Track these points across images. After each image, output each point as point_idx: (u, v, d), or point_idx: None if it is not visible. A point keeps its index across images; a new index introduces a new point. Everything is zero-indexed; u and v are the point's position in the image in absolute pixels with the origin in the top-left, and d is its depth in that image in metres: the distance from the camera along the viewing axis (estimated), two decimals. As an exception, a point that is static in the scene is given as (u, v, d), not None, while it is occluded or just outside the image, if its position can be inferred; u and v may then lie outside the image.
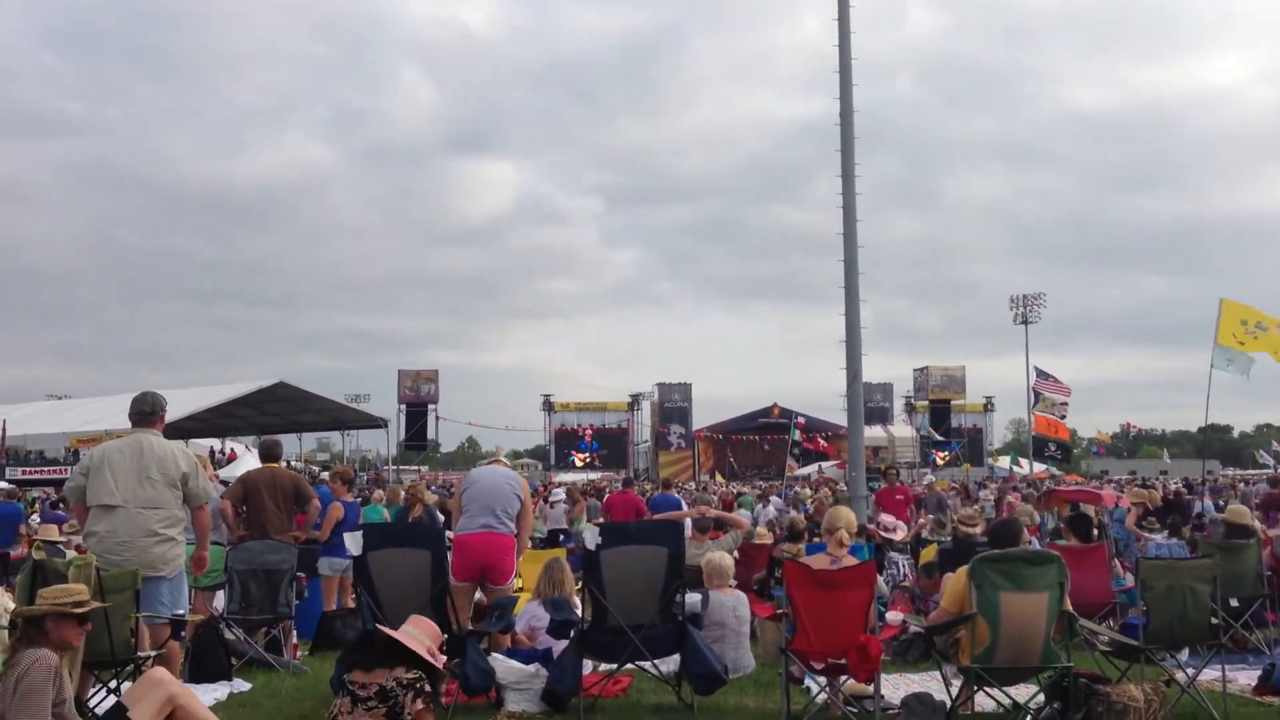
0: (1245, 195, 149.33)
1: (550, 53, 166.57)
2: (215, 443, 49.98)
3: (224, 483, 13.59)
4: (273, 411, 46.51)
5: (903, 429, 72.74)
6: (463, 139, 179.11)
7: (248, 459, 35.64)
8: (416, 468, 68.67)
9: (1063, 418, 39.32)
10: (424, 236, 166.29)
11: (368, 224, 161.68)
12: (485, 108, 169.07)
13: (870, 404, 62.38)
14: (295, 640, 9.39)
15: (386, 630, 4.83)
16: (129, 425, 7.01)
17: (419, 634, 4.74)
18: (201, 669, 8.00)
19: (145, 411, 6.94)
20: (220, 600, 9.40)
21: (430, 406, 63.54)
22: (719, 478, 60.18)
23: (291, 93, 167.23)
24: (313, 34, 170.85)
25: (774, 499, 25.47)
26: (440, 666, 4.88)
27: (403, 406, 62.54)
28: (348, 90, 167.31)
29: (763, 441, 71.11)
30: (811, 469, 55.33)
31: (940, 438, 67.28)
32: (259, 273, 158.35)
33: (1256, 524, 11.96)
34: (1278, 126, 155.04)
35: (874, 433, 61.78)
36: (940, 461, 67.92)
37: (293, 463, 45.06)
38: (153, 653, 6.37)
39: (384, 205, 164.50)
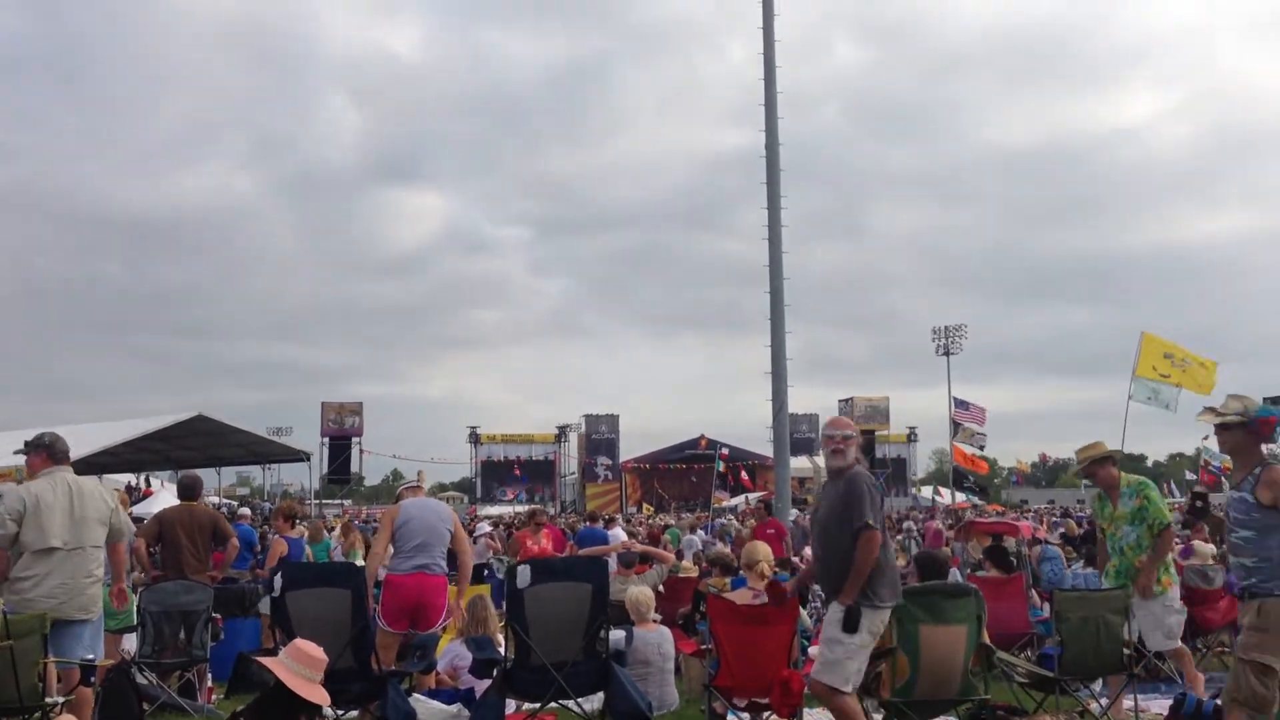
0: (1159, 230, 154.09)
1: (478, 81, 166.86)
2: (131, 477, 48.78)
3: (137, 519, 13.26)
4: (191, 445, 45.47)
5: (828, 459, 73.30)
6: (389, 167, 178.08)
7: (164, 495, 34.87)
8: (340, 502, 67.66)
9: (981, 448, 40.02)
10: (349, 266, 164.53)
11: (291, 253, 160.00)
12: (412, 136, 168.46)
13: (796, 435, 62.81)
14: (210, 683, 9.18)
15: (263, 661, 4.67)
16: (21, 462, 6.88)
17: (303, 669, 4.57)
18: (112, 715, 7.75)
19: (65, 450, 6.83)
20: (130, 643, 9.16)
21: (354, 439, 62.73)
22: (646, 509, 60.11)
23: (213, 119, 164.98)
24: (235, 59, 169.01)
25: (699, 532, 25.50)
26: (327, 703, 4.73)
27: (326, 439, 61.64)
28: (271, 117, 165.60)
29: (690, 473, 71.24)
30: (739, 500, 55.51)
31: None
32: (178, 302, 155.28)
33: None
34: (1189, 163, 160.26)
35: (800, 463, 62.07)
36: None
37: (213, 497, 44.13)
38: (61, 699, 6.19)
39: (308, 234, 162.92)
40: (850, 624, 5.67)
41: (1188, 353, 17.79)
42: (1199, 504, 7.69)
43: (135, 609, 8.81)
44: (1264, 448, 5.81)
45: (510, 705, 7.26)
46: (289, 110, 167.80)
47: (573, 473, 76.62)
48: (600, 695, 7.24)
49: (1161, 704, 8.16)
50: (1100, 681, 7.79)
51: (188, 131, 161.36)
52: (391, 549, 8.06)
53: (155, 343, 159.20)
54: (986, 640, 6.53)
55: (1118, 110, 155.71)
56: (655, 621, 8.94)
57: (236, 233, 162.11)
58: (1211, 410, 5.89)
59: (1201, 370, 17.50)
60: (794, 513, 21.86)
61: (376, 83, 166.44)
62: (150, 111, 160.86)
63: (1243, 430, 5.70)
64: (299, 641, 4.80)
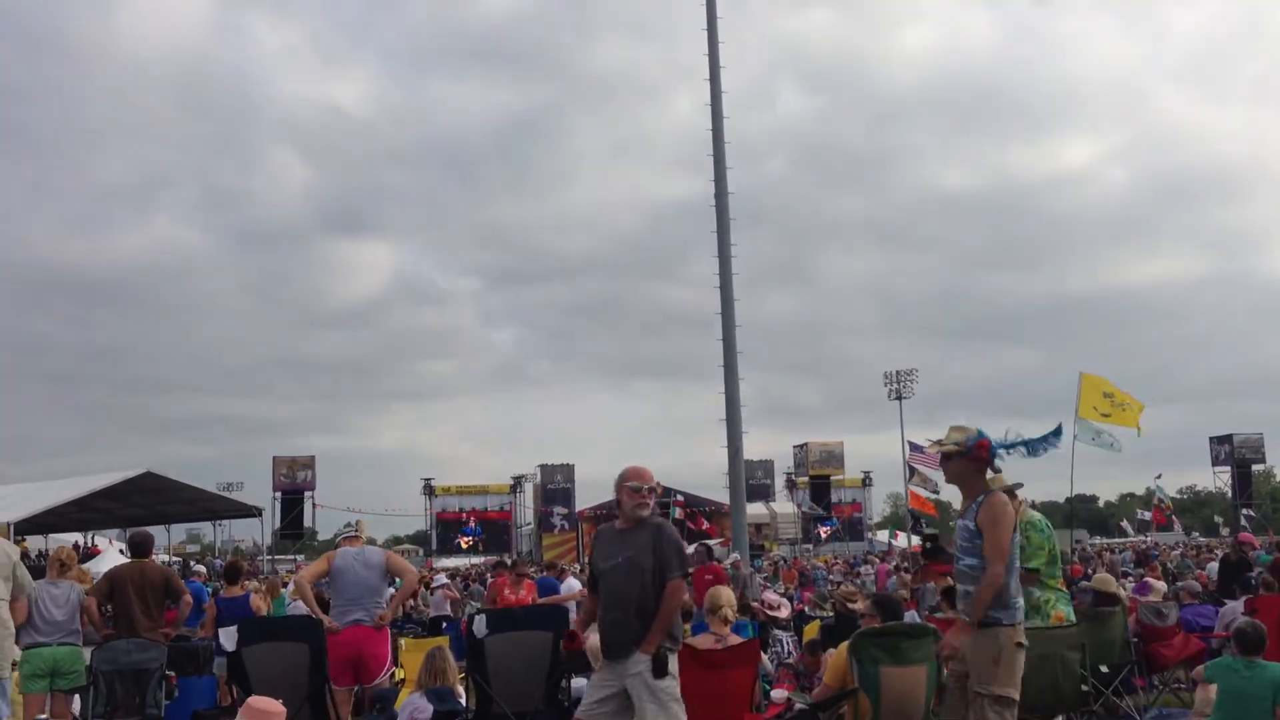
0: (1099, 274, 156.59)
1: (426, 132, 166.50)
2: (78, 536, 47.84)
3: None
4: (139, 503, 44.74)
5: (784, 505, 73.52)
6: (337, 219, 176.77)
7: (111, 553, 34.24)
8: (293, 557, 66.70)
9: (935, 492, 40.34)
10: (298, 319, 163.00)
11: (239, 306, 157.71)
12: (360, 188, 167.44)
13: (752, 481, 63.01)
14: (164, 743, 8.99)
15: None
16: None
17: None
18: (63, 777, 7.60)
19: None
20: (76, 704, 8.96)
21: (307, 493, 62.06)
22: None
23: (158, 172, 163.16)
24: (180, 112, 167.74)
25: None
26: None
27: (278, 494, 60.95)
28: (217, 170, 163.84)
29: (646, 521, 71.04)
30: (694, 547, 55.43)
31: (823, 512, 68.15)
32: (124, 358, 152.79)
33: (1123, 591, 12.39)
34: (1128, 207, 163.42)
35: (756, 509, 62.30)
36: (824, 536, 68.85)
37: (162, 555, 43.33)
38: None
39: (256, 287, 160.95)
40: (660, 669, 5.67)
41: (1119, 392, 18.21)
42: (928, 544, 7.57)
43: (86, 668, 8.64)
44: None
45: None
46: (236, 163, 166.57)
47: (529, 523, 76.18)
48: (562, 744, 7.20)
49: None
50: (1060, 719, 7.85)
51: (132, 184, 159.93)
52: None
53: (101, 399, 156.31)
54: (946, 679, 6.56)
55: (1057, 156, 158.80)
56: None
57: (183, 286, 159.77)
58: (937, 442, 6.08)
59: (1133, 408, 17.94)
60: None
61: (324, 134, 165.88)
62: (94, 164, 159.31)
63: (963, 459, 5.86)
64: (252, 699, 4.75)
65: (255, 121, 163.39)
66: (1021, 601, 5.65)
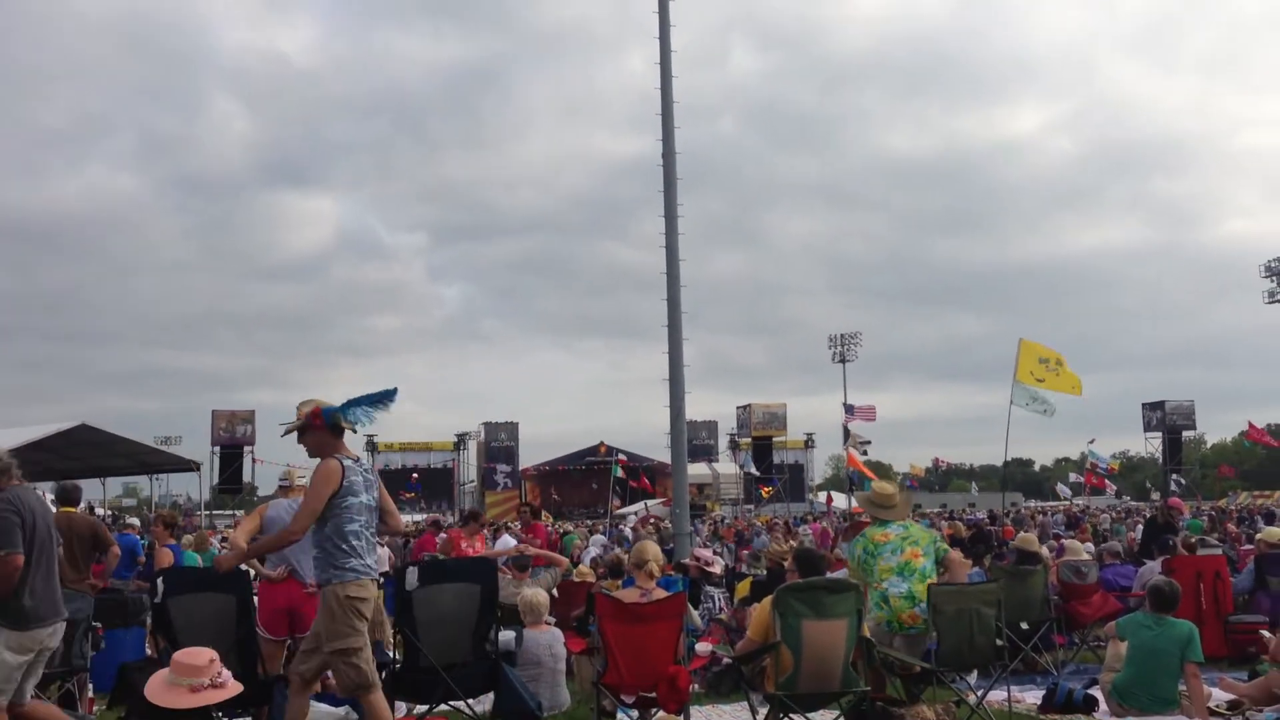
0: (1043, 241, 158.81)
1: (374, 84, 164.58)
2: (10, 489, 46.97)
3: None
4: (74, 455, 43.93)
5: (727, 466, 74.09)
6: (282, 171, 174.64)
7: (45, 505, 33.63)
8: (232, 512, 66.14)
9: (865, 453, 40.68)
10: (240, 271, 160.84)
11: (180, 257, 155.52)
12: (305, 139, 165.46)
13: (695, 441, 63.53)
14: (91, 694, 8.95)
15: (148, 690, 4.61)
16: None
17: (181, 678, 4.50)
18: (-15, 727, 7.54)
19: None
20: None
21: (246, 448, 61.51)
22: (546, 517, 60.02)
23: (97, 117, 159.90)
24: (121, 57, 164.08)
25: (596, 536, 25.60)
26: (227, 687, 4.69)
27: (216, 448, 60.36)
28: (158, 117, 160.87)
29: (590, 479, 71.31)
30: (637, 507, 55.81)
31: (758, 474, 68.63)
32: (60, 307, 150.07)
33: (1045, 551, 12.69)
34: (1073, 176, 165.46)
35: (698, 469, 62.80)
36: (765, 495, 69.50)
37: (96, 509, 42.75)
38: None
39: (197, 238, 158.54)
40: None
41: (1060, 356, 18.52)
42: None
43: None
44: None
45: (400, 708, 7.23)
46: (177, 110, 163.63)
47: (471, 480, 76.14)
48: (490, 696, 7.27)
49: (1036, 695, 8.47)
50: (975, 673, 8.05)
51: (70, 130, 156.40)
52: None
53: (35, 350, 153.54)
54: (867, 634, 6.72)
55: (1005, 123, 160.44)
56: (548, 623, 8.99)
57: (121, 235, 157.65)
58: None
59: (1072, 373, 18.27)
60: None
61: (269, 84, 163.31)
62: (30, 109, 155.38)
63: (311, 433, 6.16)
64: (178, 654, 4.77)
65: (197, 68, 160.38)
66: (356, 561, 5.90)
